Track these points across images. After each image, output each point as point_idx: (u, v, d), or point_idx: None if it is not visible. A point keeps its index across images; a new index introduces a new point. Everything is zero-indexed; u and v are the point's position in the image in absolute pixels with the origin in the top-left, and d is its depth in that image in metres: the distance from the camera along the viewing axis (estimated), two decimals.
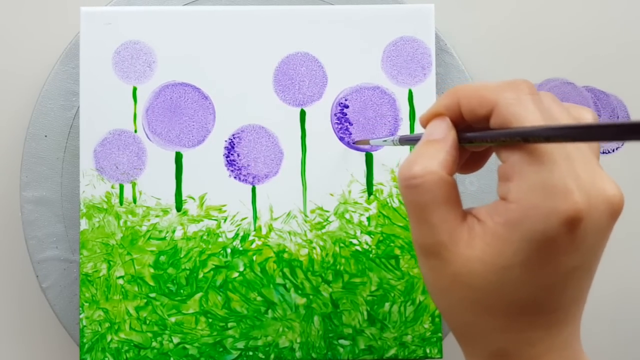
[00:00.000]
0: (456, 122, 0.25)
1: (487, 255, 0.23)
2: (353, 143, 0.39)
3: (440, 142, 0.25)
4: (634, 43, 0.44)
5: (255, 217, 0.39)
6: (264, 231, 0.39)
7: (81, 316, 0.39)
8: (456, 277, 0.24)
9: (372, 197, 0.40)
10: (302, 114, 0.40)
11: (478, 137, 0.24)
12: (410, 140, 0.31)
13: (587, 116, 0.25)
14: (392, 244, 0.39)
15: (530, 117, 0.22)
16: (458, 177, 0.41)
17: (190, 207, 0.39)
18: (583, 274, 0.24)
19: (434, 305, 0.27)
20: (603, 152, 0.43)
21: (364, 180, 0.40)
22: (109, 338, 0.39)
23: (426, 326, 0.39)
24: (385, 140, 0.34)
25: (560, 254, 0.22)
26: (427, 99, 0.40)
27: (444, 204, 0.24)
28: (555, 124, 0.22)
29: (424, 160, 0.24)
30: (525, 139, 0.22)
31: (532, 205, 0.22)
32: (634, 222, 0.44)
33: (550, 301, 0.24)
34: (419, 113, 0.40)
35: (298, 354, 0.39)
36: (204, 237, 0.39)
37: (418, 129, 0.40)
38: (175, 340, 0.39)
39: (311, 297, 0.39)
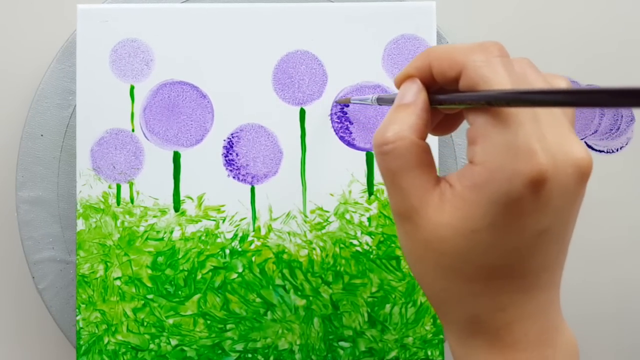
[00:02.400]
0: (428, 84, 0.25)
1: (455, 220, 0.23)
2: (335, 102, 0.39)
3: (410, 105, 0.25)
4: (637, 41, 0.43)
5: (254, 218, 0.39)
6: (263, 232, 0.39)
7: (78, 318, 0.38)
8: (428, 243, 0.24)
9: (372, 197, 0.39)
10: (302, 112, 0.39)
11: (447, 99, 0.24)
12: (387, 100, 0.31)
13: (561, 84, 0.25)
14: (393, 245, 0.39)
15: (498, 79, 0.22)
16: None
17: (189, 207, 0.39)
18: (552, 239, 0.23)
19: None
20: (607, 152, 0.43)
21: (364, 180, 0.39)
22: (106, 340, 0.38)
23: (427, 328, 0.39)
24: (363, 100, 0.34)
25: (527, 216, 0.22)
26: None
27: (416, 168, 0.24)
28: (517, 89, 0.22)
29: (395, 126, 0.24)
30: (489, 103, 0.22)
31: (496, 167, 0.22)
32: (637, 222, 0.44)
33: (519, 265, 0.23)
34: None
35: (298, 356, 0.39)
36: (203, 237, 0.39)
37: None
38: (173, 342, 0.39)
39: (311, 298, 0.39)
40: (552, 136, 0.22)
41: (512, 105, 0.21)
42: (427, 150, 0.25)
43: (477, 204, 0.23)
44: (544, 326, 0.24)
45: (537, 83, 0.24)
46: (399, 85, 0.26)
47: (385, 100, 0.31)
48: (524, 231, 0.23)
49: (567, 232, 0.24)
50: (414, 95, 0.25)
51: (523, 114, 0.22)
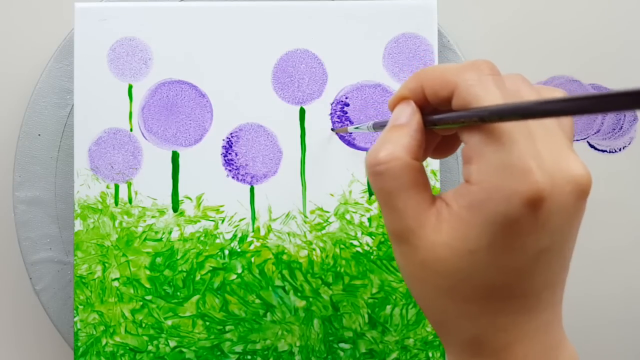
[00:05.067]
0: (422, 105, 0.25)
1: (453, 240, 0.23)
2: (333, 131, 0.39)
3: (404, 126, 0.25)
4: None
5: (253, 218, 0.39)
6: (262, 232, 0.39)
7: (75, 319, 0.38)
8: (425, 263, 0.24)
9: (373, 197, 0.39)
10: (302, 112, 0.39)
11: (440, 119, 0.24)
12: (384, 125, 0.31)
13: (557, 97, 0.24)
14: None
15: (489, 97, 0.22)
16: (461, 177, 0.40)
17: (187, 207, 0.38)
18: (553, 257, 0.23)
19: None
20: (610, 152, 0.43)
21: (364, 180, 0.39)
22: (104, 341, 0.38)
23: (428, 329, 0.38)
24: (359, 127, 0.34)
25: (525, 236, 0.22)
26: None
27: (410, 188, 0.24)
28: (508, 102, 0.21)
29: (389, 146, 0.24)
30: (481, 119, 0.22)
31: (493, 186, 0.22)
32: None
33: (519, 285, 0.23)
34: None
35: (297, 358, 0.38)
36: (201, 238, 0.38)
37: None
38: (172, 343, 0.38)
39: (311, 299, 0.39)
40: (548, 153, 0.22)
41: (504, 119, 0.21)
42: (421, 170, 0.24)
43: (474, 224, 0.22)
44: (545, 346, 0.24)
45: (530, 98, 0.23)
46: (392, 107, 0.26)
47: (381, 125, 0.31)
48: (523, 251, 0.22)
49: (567, 250, 0.24)
50: (408, 116, 0.25)
51: (516, 131, 0.22)
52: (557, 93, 0.24)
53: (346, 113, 0.39)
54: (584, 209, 0.23)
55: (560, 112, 0.19)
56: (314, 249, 0.39)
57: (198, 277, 0.38)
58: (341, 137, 0.39)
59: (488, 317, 0.24)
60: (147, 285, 0.38)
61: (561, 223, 0.22)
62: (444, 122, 0.24)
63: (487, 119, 0.21)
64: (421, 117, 0.25)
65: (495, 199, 0.22)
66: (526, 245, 0.22)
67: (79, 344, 0.38)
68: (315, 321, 0.39)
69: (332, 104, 0.39)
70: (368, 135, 0.39)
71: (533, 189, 0.21)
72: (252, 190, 0.39)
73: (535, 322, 0.24)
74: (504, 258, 0.22)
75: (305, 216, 0.39)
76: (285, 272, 0.39)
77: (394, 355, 0.38)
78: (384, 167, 0.24)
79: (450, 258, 0.23)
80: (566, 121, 0.24)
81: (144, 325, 0.38)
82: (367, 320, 0.39)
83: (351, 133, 0.39)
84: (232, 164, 0.39)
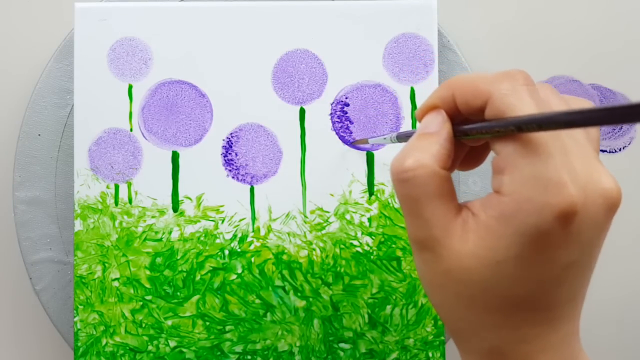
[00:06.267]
0: (452, 115, 0.25)
1: (480, 250, 0.23)
2: (351, 143, 0.38)
3: (433, 135, 0.24)
4: None
5: (253, 218, 0.39)
6: (262, 232, 0.39)
7: (75, 319, 0.38)
8: (450, 272, 0.23)
9: (373, 197, 0.39)
10: (302, 112, 0.39)
11: (473, 129, 0.24)
12: (409, 136, 0.30)
13: (585, 106, 0.24)
14: (393, 246, 0.39)
15: (525, 107, 0.22)
16: (462, 176, 0.40)
17: (187, 207, 0.38)
18: (580, 270, 0.23)
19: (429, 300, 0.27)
20: (610, 152, 0.43)
21: (364, 180, 0.39)
22: (104, 341, 0.38)
23: (429, 329, 0.38)
24: (384, 138, 0.33)
25: (555, 249, 0.22)
26: None
27: (437, 197, 0.24)
28: (549, 111, 0.21)
29: (417, 154, 0.24)
30: (519, 128, 0.21)
31: (525, 198, 0.22)
32: None
33: (545, 297, 0.23)
34: None
35: (297, 358, 0.38)
36: (201, 238, 0.38)
37: None
38: (172, 343, 0.38)
39: (311, 299, 0.39)
40: (581, 167, 0.22)
41: (544, 128, 0.20)
42: (448, 179, 0.24)
43: (504, 235, 0.22)
44: (565, 357, 0.24)
45: (560, 108, 0.23)
46: (421, 117, 0.26)
47: (406, 136, 0.31)
48: (551, 263, 0.22)
49: (592, 263, 0.24)
50: (438, 125, 0.25)
51: (552, 144, 0.21)
52: (585, 103, 0.24)
53: (346, 113, 0.39)
54: (611, 223, 0.23)
55: (602, 121, 0.18)
56: (314, 249, 0.39)
57: (198, 277, 0.38)
58: (342, 138, 0.39)
59: (510, 328, 0.23)
60: (147, 285, 0.38)
61: (590, 236, 0.22)
62: (477, 132, 0.24)
63: (525, 128, 0.21)
64: (451, 127, 0.25)
65: (527, 210, 0.21)
66: (555, 258, 0.22)
67: (79, 344, 0.38)
68: (315, 321, 0.39)
69: (332, 104, 0.39)
70: (368, 136, 0.39)
71: (567, 202, 0.21)
72: (252, 190, 0.39)
73: (558, 334, 0.24)
74: (531, 270, 0.22)
75: (305, 216, 0.39)
76: (285, 272, 0.39)
77: (394, 355, 0.38)
78: (411, 175, 0.24)
79: (477, 268, 0.23)
80: (594, 132, 0.24)
81: (144, 325, 0.38)
82: (367, 320, 0.39)
83: (351, 132, 0.39)
84: (232, 164, 0.39)
